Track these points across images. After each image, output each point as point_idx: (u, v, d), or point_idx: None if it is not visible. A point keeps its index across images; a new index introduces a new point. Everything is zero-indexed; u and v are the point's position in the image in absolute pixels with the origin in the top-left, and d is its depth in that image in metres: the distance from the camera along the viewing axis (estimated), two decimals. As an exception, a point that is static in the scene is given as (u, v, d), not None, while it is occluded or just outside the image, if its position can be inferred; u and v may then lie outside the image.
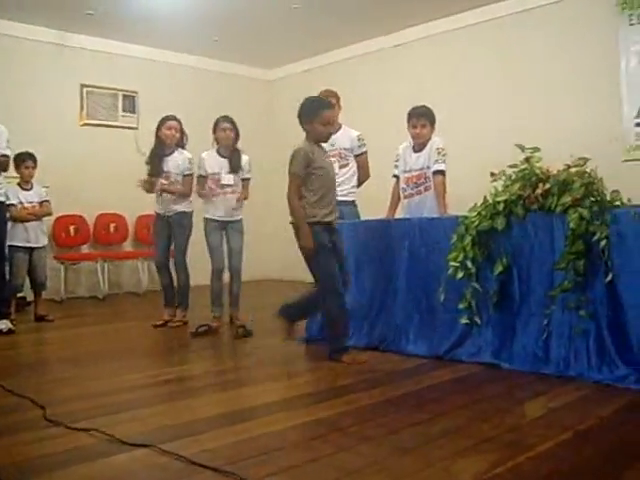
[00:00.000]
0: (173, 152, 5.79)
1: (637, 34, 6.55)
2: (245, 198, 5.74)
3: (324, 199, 4.14)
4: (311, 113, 4.18)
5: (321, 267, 4.12)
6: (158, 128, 5.78)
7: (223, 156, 5.64)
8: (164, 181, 5.70)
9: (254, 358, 4.54)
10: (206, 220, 5.67)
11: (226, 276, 5.70)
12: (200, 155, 5.72)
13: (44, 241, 6.54)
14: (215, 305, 5.62)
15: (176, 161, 5.76)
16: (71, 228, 8.31)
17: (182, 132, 5.84)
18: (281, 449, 2.58)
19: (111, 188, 8.31)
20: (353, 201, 5.55)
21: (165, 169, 5.74)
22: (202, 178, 5.68)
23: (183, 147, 5.87)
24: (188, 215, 5.82)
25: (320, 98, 4.40)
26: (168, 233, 5.84)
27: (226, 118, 5.63)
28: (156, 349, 5.10)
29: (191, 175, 5.78)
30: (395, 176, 5.25)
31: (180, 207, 5.78)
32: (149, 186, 5.75)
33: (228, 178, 5.61)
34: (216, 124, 5.65)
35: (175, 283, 5.88)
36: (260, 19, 8.00)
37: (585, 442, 2.60)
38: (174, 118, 5.80)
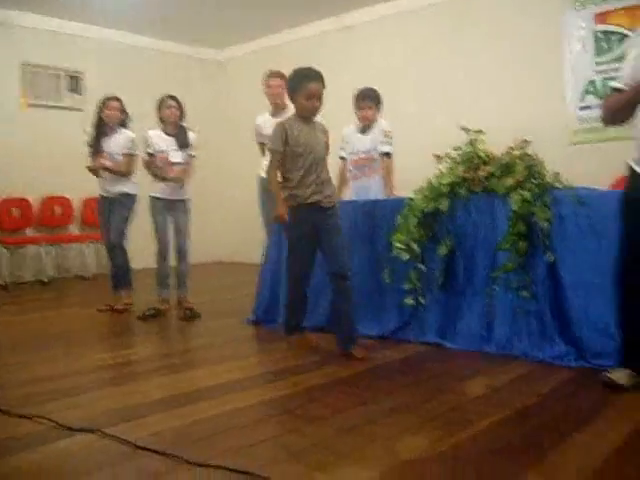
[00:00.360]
0: (115, 132, 5.71)
1: (581, 19, 6.66)
2: (188, 175, 5.70)
3: (306, 179, 3.85)
4: (294, 86, 3.90)
5: (289, 262, 4.08)
6: (99, 109, 5.70)
7: (169, 134, 5.58)
8: (103, 160, 5.61)
9: (201, 340, 4.53)
10: (152, 199, 5.60)
11: (173, 258, 5.65)
12: (146, 134, 5.64)
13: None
14: (162, 287, 5.58)
15: (118, 141, 5.67)
16: (14, 211, 8.14)
17: (124, 112, 5.76)
18: (227, 431, 2.60)
19: (57, 170, 8.15)
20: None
21: (106, 149, 5.66)
22: (150, 156, 5.60)
23: (125, 127, 5.79)
24: (131, 197, 5.72)
25: (306, 69, 3.91)
26: (110, 215, 5.74)
27: (170, 96, 5.58)
28: (103, 333, 5.04)
29: (132, 154, 5.69)
30: (342, 158, 5.27)
31: (124, 188, 5.68)
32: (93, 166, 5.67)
33: (176, 156, 5.55)
34: (160, 103, 5.59)
35: (113, 265, 5.81)
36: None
37: (523, 418, 2.68)
38: (115, 98, 5.72)
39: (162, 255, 5.57)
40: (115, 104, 5.68)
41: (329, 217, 3.91)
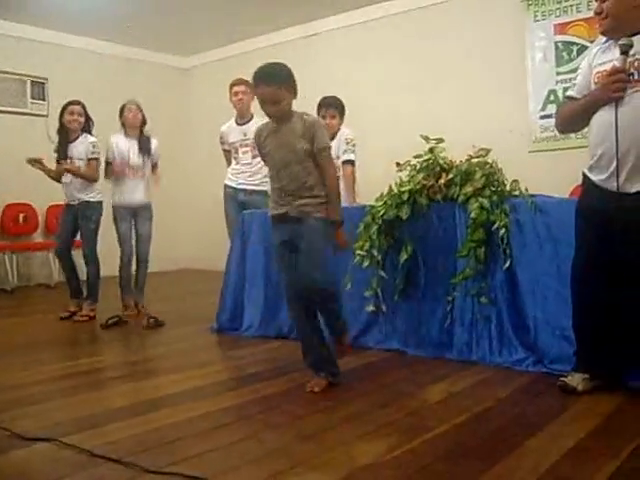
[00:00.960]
0: (78, 137, 5.65)
1: (541, 30, 6.78)
2: (156, 182, 5.74)
3: (274, 186, 3.43)
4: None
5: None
6: (61, 114, 5.66)
7: (132, 138, 5.58)
8: (66, 165, 5.57)
9: (164, 348, 4.50)
10: (114, 208, 5.61)
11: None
12: (109, 139, 5.64)
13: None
14: (125, 293, 5.57)
15: (81, 146, 5.62)
16: (-24, 219, 8.05)
17: (87, 117, 5.71)
18: (185, 438, 2.59)
19: (20, 177, 8.02)
20: (266, 191, 5.57)
21: (70, 155, 5.61)
22: (109, 164, 5.64)
23: (90, 132, 5.74)
24: (93, 205, 5.65)
25: (255, 71, 3.42)
26: (73, 221, 5.68)
27: (132, 101, 5.64)
28: (65, 342, 4.99)
29: (96, 159, 5.63)
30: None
31: (85, 196, 5.62)
32: (53, 173, 5.64)
33: (137, 159, 5.57)
34: (122, 108, 5.66)
35: (85, 276, 5.74)
36: (175, 5, 7.88)
37: (480, 423, 2.71)
38: (77, 103, 5.66)
39: (126, 262, 5.57)
40: (76, 108, 5.62)
41: (298, 231, 3.30)
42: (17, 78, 8.56)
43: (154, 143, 5.69)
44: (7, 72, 8.43)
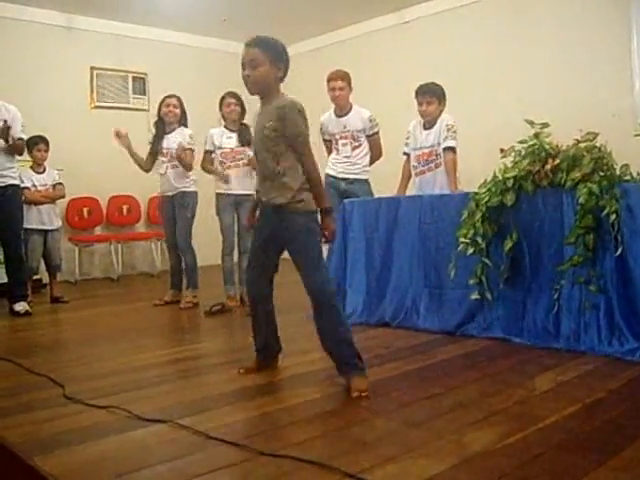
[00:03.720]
0: (174, 130, 5.84)
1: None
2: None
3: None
4: None
5: None
6: (159, 107, 5.89)
7: (232, 130, 5.67)
8: (164, 158, 5.79)
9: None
10: (218, 196, 5.70)
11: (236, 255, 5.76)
12: (209, 131, 5.77)
13: (58, 223, 6.64)
14: (228, 284, 5.68)
15: (177, 138, 5.77)
16: (84, 210, 8.39)
17: (182, 110, 5.88)
18: (295, 423, 2.64)
19: (123, 170, 8.28)
20: (366, 179, 5.60)
21: (166, 145, 5.80)
22: (208, 153, 5.71)
23: (185, 125, 5.92)
24: (189, 195, 5.82)
25: None
26: (173, 214, 5.88)
27: (231, 94, 5.67)
28: (170, 328, 5.16)
29: (192, 150, 5.77)
30: (405, 154, 5.27)
31: (180, 186, 5.80)
32: (129, 147, 5.84)
33: (239, 150, 5.64)
34: (222, 100, 5.72)
35: (182, 265, 5.95)
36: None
37: (593, 414, 2.63)
38: (173, 96, 5.86)
39: (228, 253, 5.67)
40: (172, 101, 5.81)
41: (279, 227, 3.17)
42: (120, 75, 8.86)
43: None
44: (110, 69, 8.74)
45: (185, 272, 5.94)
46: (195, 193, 5.87)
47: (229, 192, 5.63)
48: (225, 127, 5.71)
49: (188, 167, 5.74)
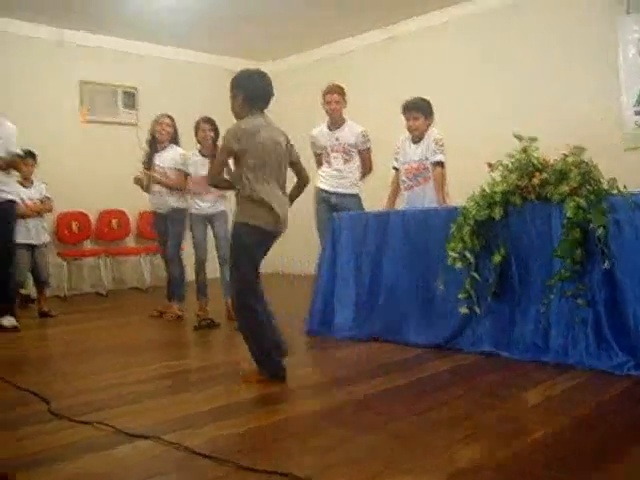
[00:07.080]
0: (166, 148, 5.96)
1: (634, 22, 6.54)
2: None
3: None
4: None
5: None
6: (152, 126, 6.02)
7: (204, 156, 5.72)
8: (154, 173, 5.85)
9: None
10: (191, 215, 5.83)
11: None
12: (187, 154, 5.88)
13: (45, 238, 6.61)
14: (201, 294, 5.75)
15: (168, 156, 5.90)
16: (73, 224, 8.33)
17: (175, 129, 6.02)
18: (282, 439, 2.63)
19: (113, 184, 8.31)
20: (357, 194, 5.60)
21: (158, 163, 5.90)
22: (188, 176, 5.85)
23: (176, 143, 6.02)
24: (180, 211, 5.92)
25: None
26: (165, 229, 6.00)
27: (205, 119, 5.75)
28: (158, 344, 5.11)
29: (182, 170, 5.86)
30: (395, 168, 5.27)
31: (173, 203, 5.91)
32: (145, 181, 5.89)
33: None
34: (197, 126, 5.78)
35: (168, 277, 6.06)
36: (256, 13, 7.99)
37: (583, 428, 2.63)
38: (167, 116, 6.01)
39: (200, 266, 5.76)
40: (166, 120, 5.97)
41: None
42: (110, 89, 8.86)
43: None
44: (100, 83, 8.73)
45: (171, 284, 6.00)
46: (184, 210, 5.92)
47: (200, 212, 5.75)
48: (200, 152, 5.76)
49: (178, 188, 5.87)
